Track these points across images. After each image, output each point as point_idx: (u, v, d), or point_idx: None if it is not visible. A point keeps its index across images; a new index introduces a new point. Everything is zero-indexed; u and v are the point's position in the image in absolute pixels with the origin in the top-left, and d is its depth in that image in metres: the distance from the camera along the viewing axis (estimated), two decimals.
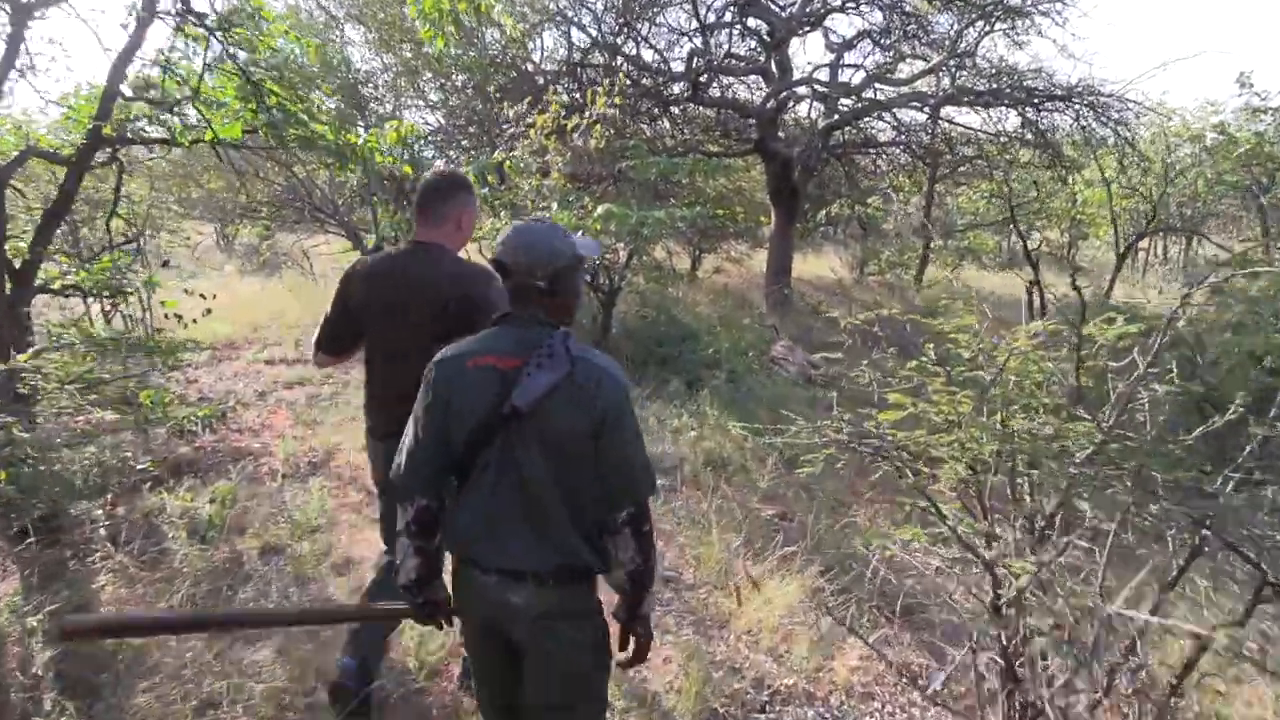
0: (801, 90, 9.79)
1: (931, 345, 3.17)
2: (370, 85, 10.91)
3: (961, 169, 12.64)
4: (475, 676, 2.25)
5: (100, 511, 4.12)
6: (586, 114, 5.45)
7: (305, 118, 4.25)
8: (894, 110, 10.42)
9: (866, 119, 10.83)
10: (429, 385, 1.98)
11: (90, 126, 4.41)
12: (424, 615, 2.15)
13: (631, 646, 2.08)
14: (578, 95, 9.64)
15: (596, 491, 1.93)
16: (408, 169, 5.13)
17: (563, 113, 5.31)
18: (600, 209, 5.85)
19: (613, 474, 1.92)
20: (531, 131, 5.40)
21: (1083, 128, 10.03)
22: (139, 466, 4.86)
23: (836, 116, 10.43)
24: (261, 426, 6.30)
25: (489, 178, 6.85)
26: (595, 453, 1.90)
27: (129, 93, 4.71)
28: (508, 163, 5.28)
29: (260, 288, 11.23)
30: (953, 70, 11.25)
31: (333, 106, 10.59)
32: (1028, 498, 2.67)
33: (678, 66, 9.89)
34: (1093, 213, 16.71)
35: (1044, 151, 10.74)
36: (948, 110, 10.94)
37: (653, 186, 8.16)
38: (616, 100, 5.48)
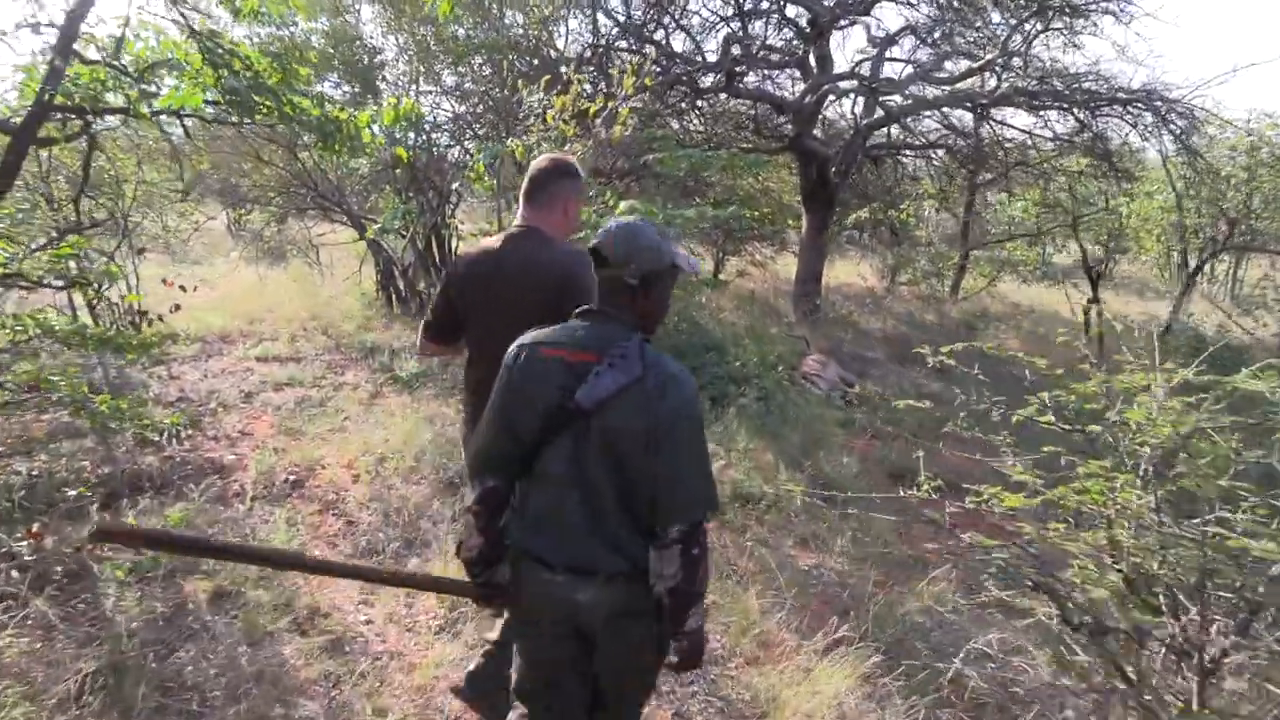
0: (844, 85, 9.08)
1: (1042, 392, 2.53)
2: (383, 68, 10.28)
3: (1007, 175, 11.88)
4: (525, 671, 2.15)
5: (25, 544, 3.50)
6: (613, 98, 4.78)
7: (279, 88, 3.62)
8: (942, 109, 9.71)
9: (910, 119, 10.13)
10: (505, 368, 1.99)
11: (40, 94, 3.80)
12: (484, 596, 2.17)
13: (679, 655, 2.01)
14: (602, 86, 9.00)
15: (653, 501, 1.89)
16: (401, 152, 4.51)
17: (585, 95, 4.65)
18: (624, 205, 5.20)
19: (665, 488, 1.87)
20: (549, 115, 4.73)
21: (1146, 134, 9.30)
22: (93, 482, 4.26)
23: (880, 114, 9.74)
24: (240, 434, 5.69)
25: (499, 167, 6.22)
26: (654, 463, 1.86)
27: (94, 57, 4.10)
28: (519, 150, 4.62)
29: (262, 277, 10.64)
30: (999, 71, 10.53)
31: (340, 91, 10.01)
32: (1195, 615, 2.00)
33: (710, 57, 9.23)
34: (1137, 225, 15.92)
35: (1101, 159, 10.01)
36: (995, 113, 10.23)
37: (681, 183, 7.51)
38: (646, 81, 4.82)
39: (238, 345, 8.18)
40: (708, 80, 8.92)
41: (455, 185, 6.95)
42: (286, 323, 8.98)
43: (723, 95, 10.62)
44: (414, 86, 10.67)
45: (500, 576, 2.11)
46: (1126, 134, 9.92)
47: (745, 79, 9.06)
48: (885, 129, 11.26)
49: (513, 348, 2.01)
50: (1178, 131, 9.01)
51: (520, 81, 5.79)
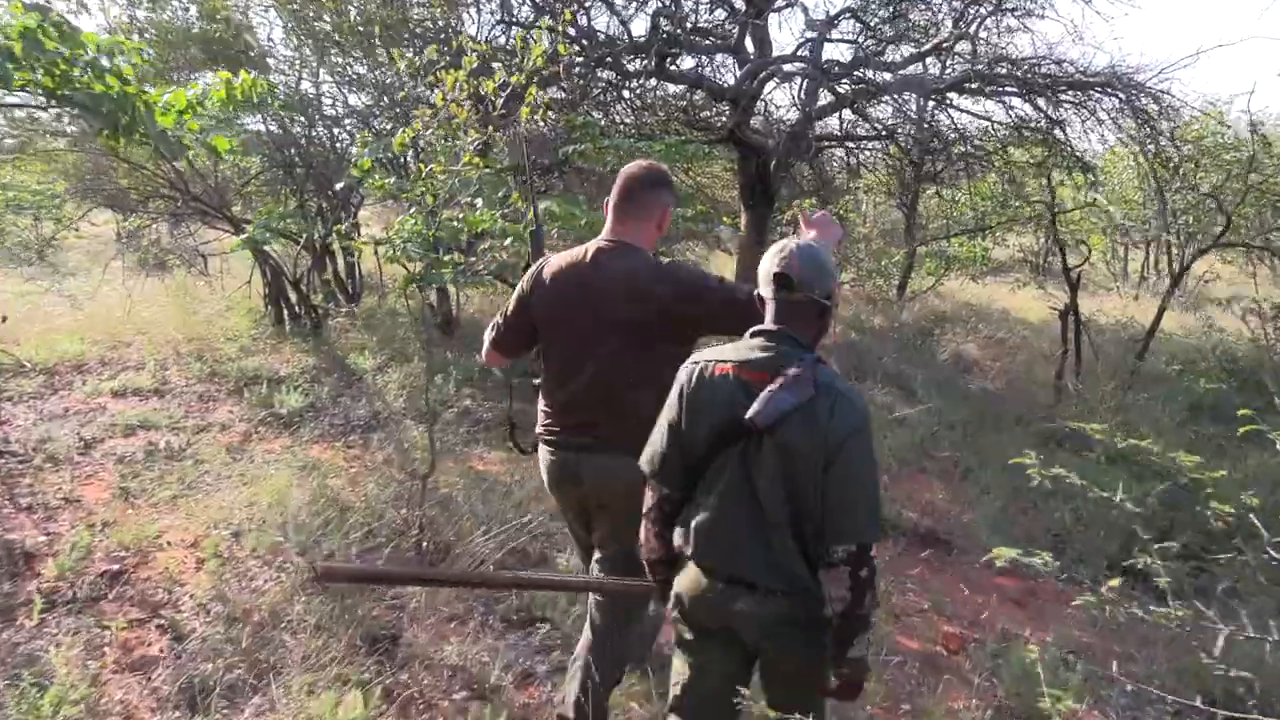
0: (789, 67, 8.19)
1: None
2: (262, 56, 9.03)
3: (967, 165, 11.15)
4: (689, 675, 2.13)
5: None
6: (518, 71, 3.76)
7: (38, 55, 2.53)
8: (892, 96, 8.89)
9: (864, 104, 9.29)
10: (678, 383, 2.07)
11: None
12: (664, 595, 2.20)
13: (838, 683, 1.96)
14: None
15: (821, 522, 1.90)
16: (221, 143, 3.45)
17: (477, 66, 3.63)
18: (542, 206, 4.20)
19: (835, 509, 1.89)
20: (439, 96, 3.71)
21: (1114, 119, 8.62)
22: None
23: (824, 101, 8.89)
24: (64, 501, 4.53)
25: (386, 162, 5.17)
26: (823, 484, 1.89)
27: None
28: (399, 141, 3.60)
29: (130, 292, 9.30)
30: (943, 57, 9.79)
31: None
32: None
33: (638, 44, 8.23)
34: (1081, 220, 15.49)
35: (1062, 148, 9.35)
36: (950, 100, 9.47)
37: (607, 180, 6.55)
38: (560, 49, 3.82)
39: (92, 376, 6.94)
40: (635, 65, 7.95)
41: (340, 185, 5.87)
42: (158, 347, 7.74)
43: (652, 81, 9.66)
44: (305, 74, 9.47)
45: (673, 576, 2.17)
46: (1085, 121, 9.24)
47: (678, 62, 8.12)
48: (824, 119, 10.42)
49: (687, 365, 2.07)
50: (1146, 117, 8.35)
51: (405, 60, 4.71)
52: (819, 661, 1.98)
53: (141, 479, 4.78)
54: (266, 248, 8.30)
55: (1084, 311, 8.94)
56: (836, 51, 9.92)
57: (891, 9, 10.18)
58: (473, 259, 5.05)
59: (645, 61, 7.45)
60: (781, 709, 1.93)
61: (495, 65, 3.97)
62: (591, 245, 2.53)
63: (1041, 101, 9.06)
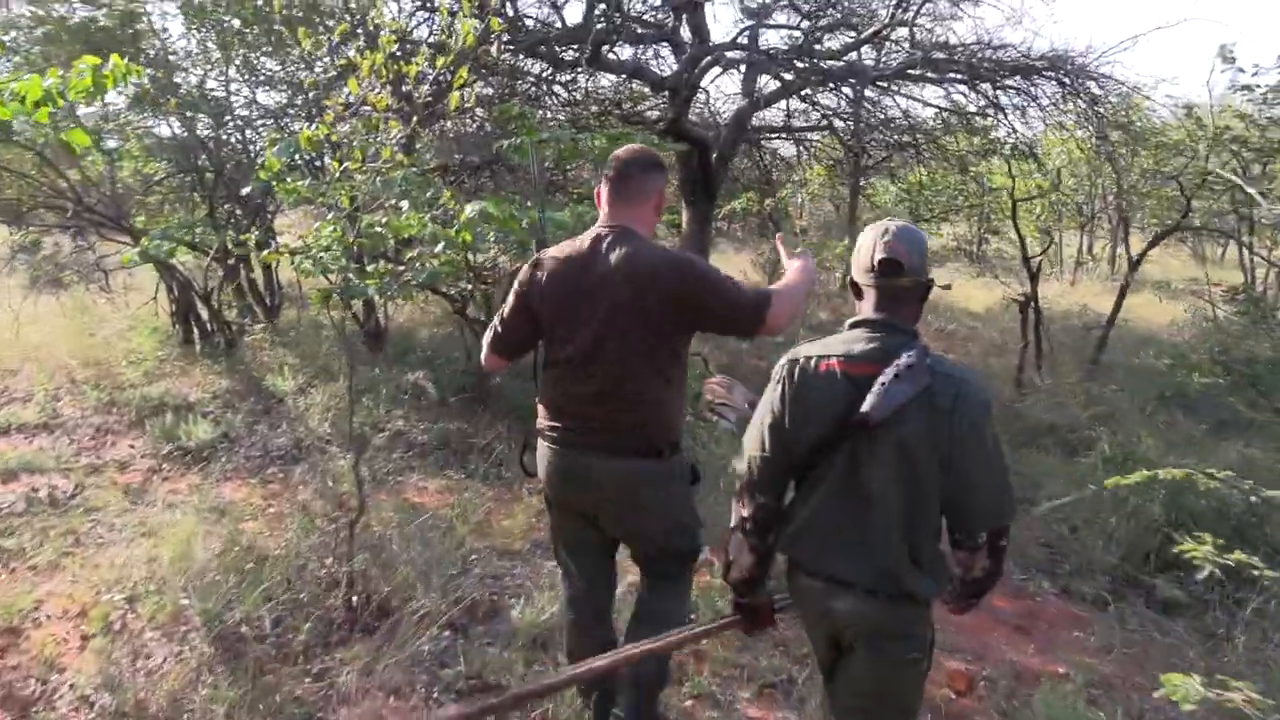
0: (730, 55, 7.79)
1: None
2: (174, 54, 8.27)
3: (900, 154, 10.94)
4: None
5: None
6: (444, 52, 3.25)
7: None
8: (835, 83, 8.55)
9: (796, 95, 8.96)
10: (778, 383, 1.99)
11: None
12: (748, 620, 2.20)
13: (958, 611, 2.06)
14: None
15: (955, 509, 1.89)
16: (78, 136, 2.87)
17: (398, 49, 3.12)
18: (470, 208, 3.70)
19: (972, 496, 1.87)
20: (353, 83, 3.18)
21: (1058, 104, 8.45)
22: None
23: (769, 89, 8.53)
24: None
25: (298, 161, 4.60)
26: (951, 473, 1.85)
27: None
28: (304, 137, 3.08)
29: (16, 313, 8.45)
30: (879, 47, 9.52)
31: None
32: None
33: (573, 31, 7.72)
34: (1004, 204, 15.49)
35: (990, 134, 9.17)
36: (882, 89, 9.19)
37: (545, 177, 6.05)
38: (494, 25, 3.32)
39: None
40: (570, 54, 7.45)
41: (247, 190, 5.26)
42: (49, 374, 6.98)
43: (585, 75, 9.18)
44: (214, 72, 8.73)
45: (763, 595, 2.16)
46: (1028, 106, 9.05)
47: (615, 51, 7.64)
48: (765, 110, 10.07)
49: (784, 361, 2.00)
50: (1090, 101, 8.18)
51: (311, 40, 4.15)
52: (908, 673, 1.98)
53: (18, 536, 4.13)
54: (174, 260, 7.60)
55: (1051, 301, 8.83)
56: (776, 40, 9.53)
57: None
58: (400, 267, 4.52)
59: (580, 50, 6.96)
60: (861, 705, 2.04)
61: (419, 51, 3.44)
62: (589, 234, 2.43)
63: (986, 87, 8.87)
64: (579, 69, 8.10)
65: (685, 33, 8.70)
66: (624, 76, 8.43)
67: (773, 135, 10.68)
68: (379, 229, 3.77)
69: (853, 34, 9.76)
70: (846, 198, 13.63)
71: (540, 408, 2.55)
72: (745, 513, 2.04)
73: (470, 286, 5.04)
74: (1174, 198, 11.56)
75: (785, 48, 9.08)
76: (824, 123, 10.28)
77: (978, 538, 1.87)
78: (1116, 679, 3.20)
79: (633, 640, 2.47)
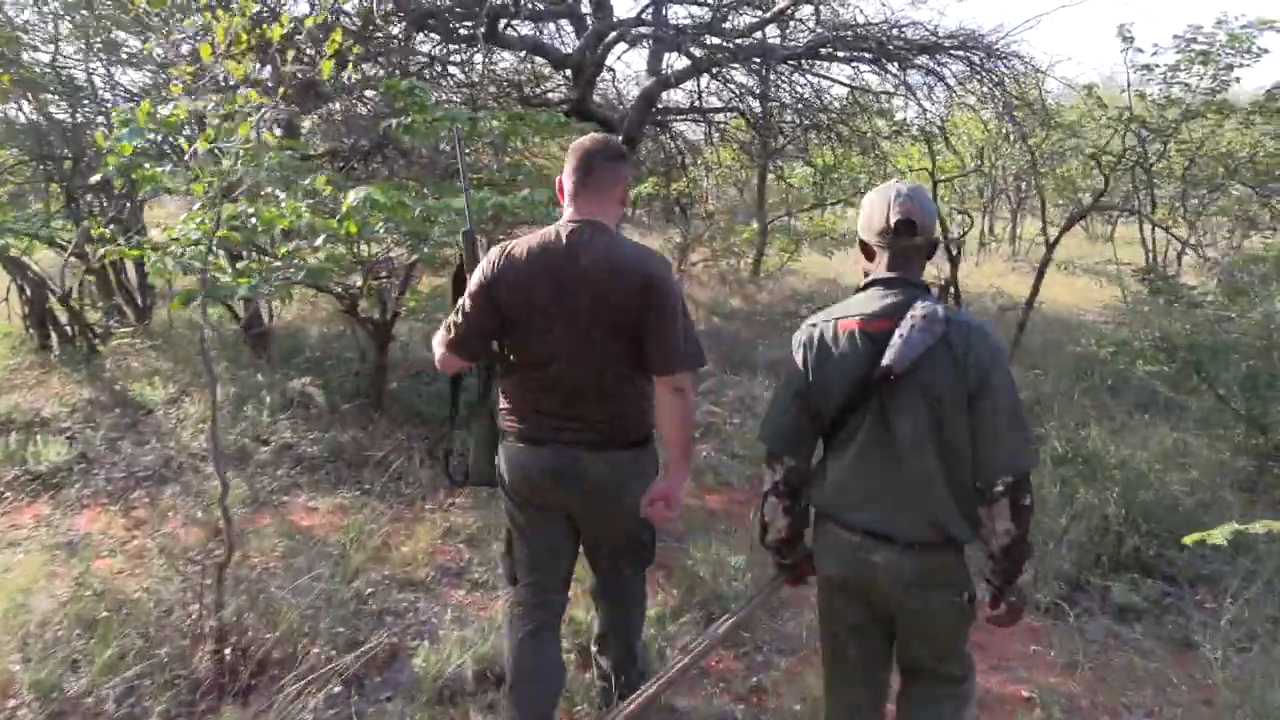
0: (636, 31, 7.39)
1: None
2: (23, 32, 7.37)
3: (834, 135, 10.78)
4: (826, 643, 2.23)
5: None
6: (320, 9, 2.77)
7: None
8: (746, 61, 8.24)
9: (707, 73, 8.63)
10: (798, 349, 2.05)
11: None
12: (790, 576, 2.28)
13: (1002, 609, 2.04)
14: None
15: (974, 457, 1.92)
16: None
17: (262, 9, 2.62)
18: (354, 194, 3.23)
19: (988, 441, 1.90)
20: (205, 49, 2.67)
21: (964, 83, 8.37)
22: None
23: (678, 67, 8.18)
24: None
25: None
26: (972, 419, 1.90)
27: None
28: (142, 111, 2.57)
29: None
30: (784, 26, 9.29)
31: None
32: None
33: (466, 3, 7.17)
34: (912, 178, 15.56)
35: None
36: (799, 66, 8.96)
37: (441, 161, 5.55)
38: None
39: None
40: (464, 30, 6.93)
41: (96, 178, 4.60)
42: None
43: (483, 55, 8.65)
44: (72, 51, 7.86)
45: (801, 551, 2.22)
46: (933, 86, 8.95)
47: (513, 26, 7.15)
48: (670, 90, 9.73)
49: (805, 328, 2.07)
50: (997, 81, 8.12)
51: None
52: (955, 617, 2.01)
53: None
54: (25, 257, 6.81)
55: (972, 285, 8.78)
56: (683, 17, 9.17)
57: None
58: (278, 263, 4.00)
59: (476, 24, 6.47)
60: (915, 665, 2.11)
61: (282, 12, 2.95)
62: (559, 226, 2.35)
63: (894, 67, 8.72)
64: (475, 46, 7.59)
65: (587, 8, 8.30)
66: (523, 54, 7.94)
67: (680, 117, 10.33)
68: (248, 221, 3.26)
69: (758, 13, 9.53)
70: (754, 181, 13.45)
71: (507, 408, 2.45)
72: (776, 476, 2.09)
73: (361, 283, 4.54)
74: (1069, 178, 11.82)
75: (692, 25, 8.75)
76: (733, 103, 10.00)
77: (995, 486, 1.90)
78: (1084, 700, 2.98)
79: (611, 627, 2.65)
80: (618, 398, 2.35)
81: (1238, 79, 8.12)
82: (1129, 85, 7.29)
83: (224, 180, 3.10)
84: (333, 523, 4.29)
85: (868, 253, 2.08)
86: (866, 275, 2.09)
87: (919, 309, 1.89)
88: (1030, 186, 13.63)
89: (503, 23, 6.73)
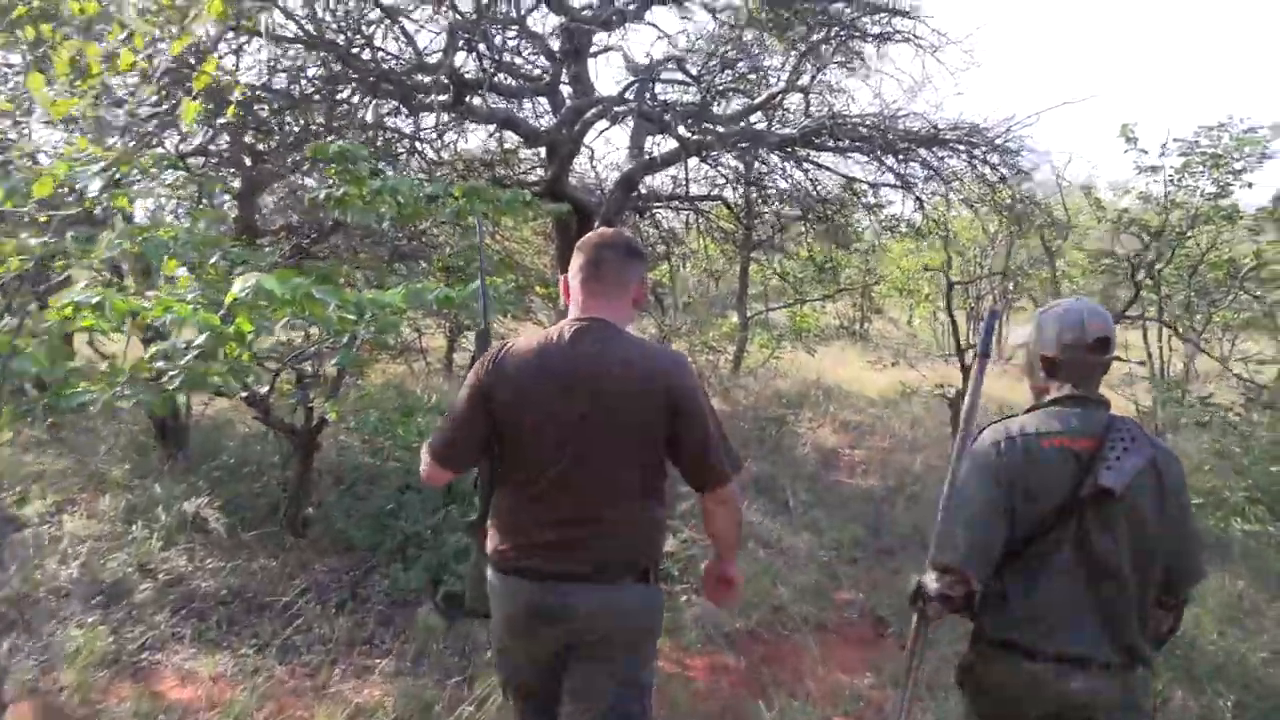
0: (617, 109, 6.77)
1: None
2: None
3: (785, 230, 10.22)
4: None
5: None
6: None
7: None
8: (735, 147, 7.63)
9: (697, 156, 8.03)
10: (988, 462, 1.97)
11: None
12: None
13: None
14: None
15: (1175, 568, 1.97)
16: None
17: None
18: (240, 283, 2.41)
19: (1184, 559, 1.97)
20: (34, 79, 1.89)
21: (962, 176, 7.85)
22: None
23: (664, 149, 7.57)
24: None
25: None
26: (1171, 539, 1.94)
27: None
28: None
29: None
30: (771, 114, 8.79)
31: None
32: None
33: (425, 65, 6.47)
34: (894, 280, 15.11)
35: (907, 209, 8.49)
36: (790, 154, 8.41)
37: (389, 240, 4.77)
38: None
39: None
40: (430, 99, 6.23)
41: None
42: None
43: (451, 131, 7.99)
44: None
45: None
46: (930, 180, 8.43)
47: (481, 96, 6.45)
48: (654, 174, 9.13)
49: (1000, 440, 1.98)
50: (1000, 178, 7.59)
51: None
52: None
53: None
54: None
55: (924, 385, 8.05)
56: (669, 98, 8.61)
57: (719, 59, 9.14)
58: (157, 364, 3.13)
59: (439, 94, 5.78)
60: None
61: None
62: (564, 326, 2.14)
63: (890, 160, 8.19)
64: (443, 119, 6.91)
65: (566, 85, 7.71)
66: (494, 128, 7.26)
67: (662, 204, 9.71)
68: (93, 311, 2.42)
69: (746, 99, 9.03)
70: (736, 271, 12.83)
71: (495, 531, 2.20)
72: (951, 593, 1.93)
73: (268, 387, 3.68)
74: (1045, 280, 11.33)
75: (680, 105, 8.19)
76: (716, 192, 9.42)
77: (1183, 594, 2.02)
78: None
79: None
80: (622, 523, 2.08)
81: (1249, 184, 7.72)
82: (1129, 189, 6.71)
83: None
84: (212, 696, 3.33)
85: (1051, 369, 2.05)
86: (1040, 393, 2.09)
87: (1127, 428, 1.93)
88: (1017, 289, 13.14)
89: (471, 93, 6.04)
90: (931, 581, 1.95)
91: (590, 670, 2.12)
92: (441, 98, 5.53)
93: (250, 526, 4.78)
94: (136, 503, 5.04)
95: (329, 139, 5.26)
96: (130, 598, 4.08)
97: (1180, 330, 7.73)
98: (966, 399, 1.97)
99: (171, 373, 2.75)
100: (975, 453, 1.98)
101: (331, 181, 3.35)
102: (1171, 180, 7.92)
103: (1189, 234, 7.86)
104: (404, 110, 6.44)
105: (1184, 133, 7.71)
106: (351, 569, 4.52)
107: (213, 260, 3.41)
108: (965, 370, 6.03)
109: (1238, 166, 7.42)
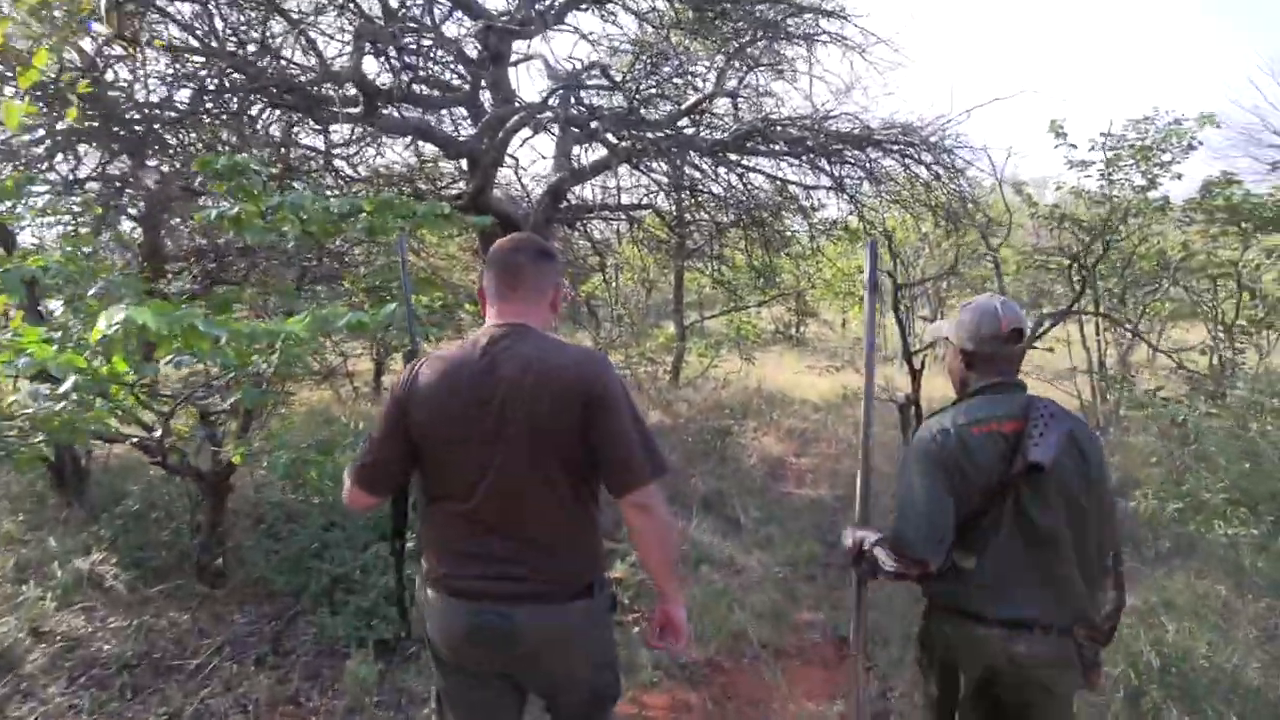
0: (541, 116, 6.48)
1: None
2: None
3: (720, 237, 10.04)
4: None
5: None
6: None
7: None
8: (664, 153, 7.40)
9: (628, 163, 7.77)
10: (926, 455, 2.09)
11: None
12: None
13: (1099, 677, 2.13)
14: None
15: (1099, 538, 2.11)
16: None
17: None
18: (106, 319, 2.07)
19: (1107, 523, 2.12)
20: None
21: (890, 180, 7.76)
22: None
23: (593, 158, 7.31)
24: None
25: None
26: (1096, 504, 2.09)
27: None
28: None
29: None
30: (698, 119, 8.62)
31: None
32: None
33: (330, 73, 6.08)
34: (830, 284, 15.05)
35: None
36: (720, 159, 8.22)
37: (296, 260, 4.41)
38: None
39: None
40: (339, 109, 5.86)
41: None
42: None
43: (365, 144, 7.62)
44: None
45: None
46: (861, 181, 8.34)
47: (394, 106, 6.11)
48: (579, 185, 8.87)
49: (935, 434, 2.10)
50: (935, 175, 7.52)
51: None
52: (1071, 699, 2.16)
53: None
54: None
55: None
56: (594, 103, 8.35)
57: (645, 65, 8.93)
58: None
59: (348, 107, 5.43)
60: None
61: None
62: (479, 335, 2.04)
63: (823, 162, 8.07)
64: (355, 131, 6.55)
65: (486, 97, 7.40)
66: (409, 141, 6.91)
67: (593, 214, 9.45)
68: None
69: (674, 105, 8.83)
70: (668, 280, 12.63)
71: (430, 552, 2.09)
72: (908, 571, 2.07)
73: (159, 431, 3.31)
74: (988, 275, 11.36)
75: (608, 111, 7.95)
76: (646, 200, 9.19)
77: (1109, 560, 2.15)
78: None
79: None
80: (559, 535, 1.98)
81: (1178, 175, 7.79)
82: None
83: None
84: None
85: (969, 360, 2.19)
86: (963, 383, 2.23)
87: (1045, 407, 2.08)
88: (950, 288, 13.20)
89: (383, 103, 5.69)
90: (888, 560, 2.07)
91: (552, 681, 2.10)
92: (350, 110, 5.17)
93: (159, 579, 4.37)
94: (30, 558, 4.59)
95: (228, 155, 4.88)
96: (20, 667, 3.65)
97: (1116, 321, 7.74)
98: (865, 335, 2.26)
99: (36, 421, 2.38)
100: (915, 448, 2.12)
101: (227, 200, 3.01)
102: (1102, 174, 7.95)
103: (1120, 228, 7.89)
104: (312, 124, 6.05)
105: (1115, 127, 7.65)
106: (274, 618, 4.15)
107: (91, 293, 3.05)
108: (913, 373, 5.86)
109: (1165, 158, 7.47)
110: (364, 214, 3.36)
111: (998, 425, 2.05)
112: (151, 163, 5.99)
